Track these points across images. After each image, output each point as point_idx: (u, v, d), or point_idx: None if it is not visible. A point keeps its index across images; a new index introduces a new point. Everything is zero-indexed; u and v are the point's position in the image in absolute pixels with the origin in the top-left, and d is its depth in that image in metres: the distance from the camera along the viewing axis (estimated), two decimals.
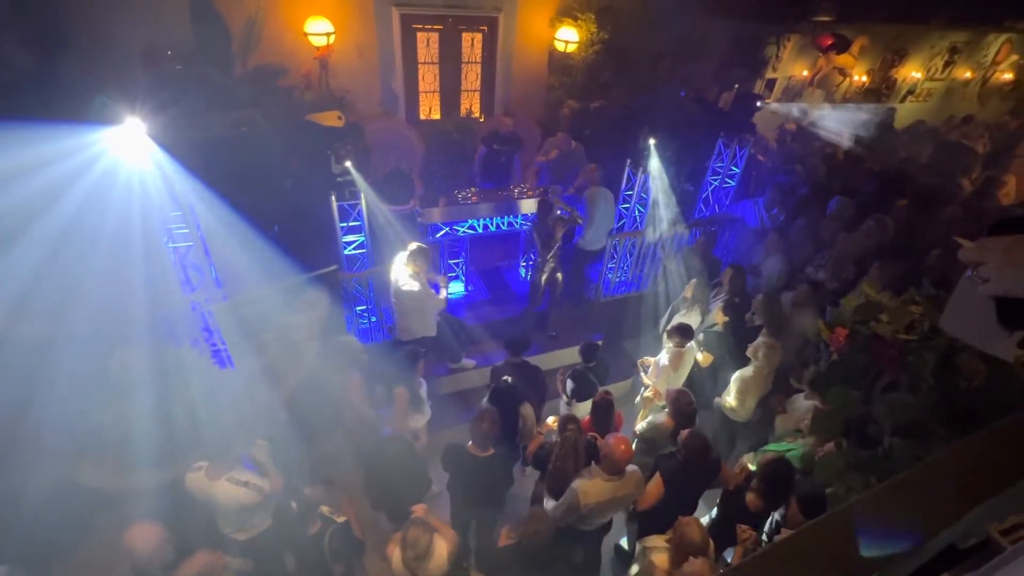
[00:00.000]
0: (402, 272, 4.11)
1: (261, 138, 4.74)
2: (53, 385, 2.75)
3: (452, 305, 5.63)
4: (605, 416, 3.57)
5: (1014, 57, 11.21)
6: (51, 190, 3.00)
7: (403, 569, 2.65)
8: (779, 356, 3.85)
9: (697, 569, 2.37)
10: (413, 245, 4.07)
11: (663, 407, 3.77)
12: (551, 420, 3.87)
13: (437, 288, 4.34)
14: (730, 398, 4.03)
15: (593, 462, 3.08)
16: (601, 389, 3.77)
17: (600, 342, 5.57)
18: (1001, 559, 1.00)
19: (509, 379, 3.65)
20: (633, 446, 3.75)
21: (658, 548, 2.82)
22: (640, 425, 3.89)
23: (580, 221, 5.06)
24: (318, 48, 5.78)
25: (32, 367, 2.73)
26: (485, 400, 3.58)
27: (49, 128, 2.89)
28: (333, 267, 4.17)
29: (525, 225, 5.58)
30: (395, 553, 2.69)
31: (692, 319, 4.67)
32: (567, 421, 3.35)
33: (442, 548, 2.73)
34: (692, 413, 3.51)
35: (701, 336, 4.45)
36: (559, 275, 5.05)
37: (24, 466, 2.69)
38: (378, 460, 3.23)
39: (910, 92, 10.76)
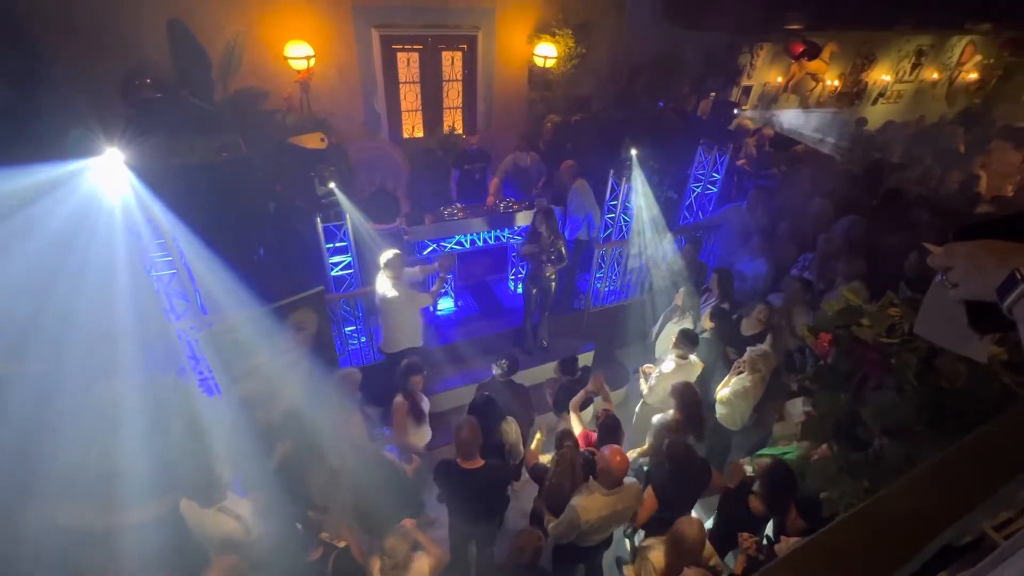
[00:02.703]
0: (383, 282, 4.12)
1: (244, 163, 4.73)
2: (39, 424, 2.69)
3: (442, 321, 5.63)
4: (613, 435, 3.52)
5: (977, 57, 11.62)
6: (33, 225, 2.97)
7: None
8: (773, 362, 3.88)
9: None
10: (388, 253, 4.09)
11: (660, 408, 3.77)
12: (538, 436, 3.82)
13: (433, 279, 4.27)
14: (723, 407, 4.04)
15: (591, 477, 3.06)
16: (602, 407, 3.75)
17: (592, 352, 5.62)
18: (996, 555, 1.01)
19: (487, 392, 3.62)
20: (641, 457, 3.75)
21: (654, 547, 2.80)
22: (647, 439, 3.85)
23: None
24: (299, 71, 5.80)
25: (21, 407, 2.67)
26: (466, 414, 3.56)
27: (27, 162, 2.87)
28: (319, 288, 4.14)
29: (513, 239, 5.60)
30: (376, 565, 2.67)
31: (684, 327, 4.70)
32: (564, 437, 3.33)
33: (424, 563, 2.69)
34: (698, 403, 3.53)
35: None
36: (553, 285, 5.05)
37: (11, 508, 2.62)
38: (367, 484, 3.19)
39: (881, 94, 11.09)
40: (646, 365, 4.43)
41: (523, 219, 5.39)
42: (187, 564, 2.68)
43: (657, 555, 2.75)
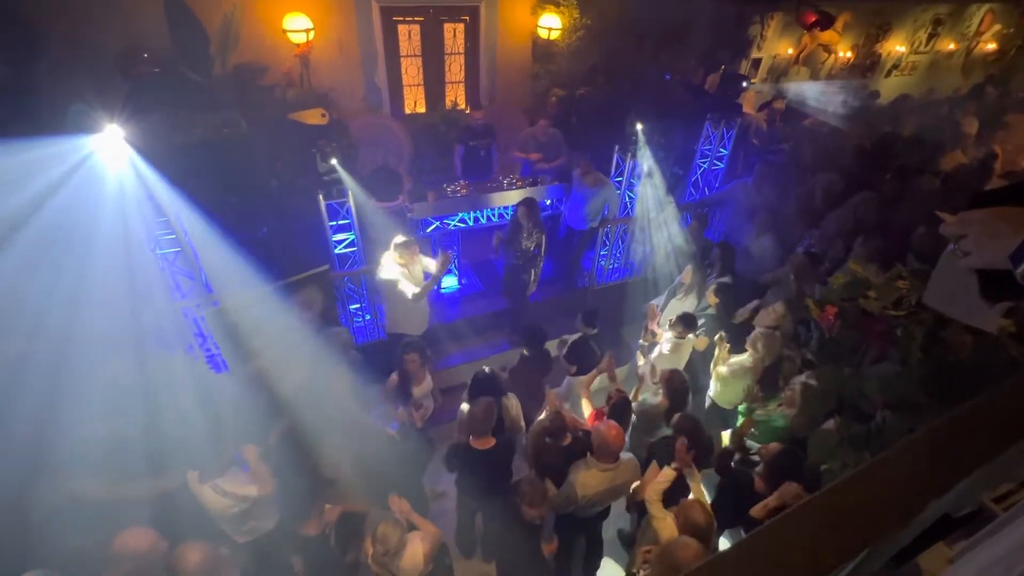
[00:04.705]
0: (388, 264, 4.08)
1: (244, 140, 4.68)
2: (53, 400, 2.74)
3: (446, 299, 5.63)
4: (622, 417, 3.53)
5: (997, 26, 11.22)
6: (34, 203, 2.97)
7: (375, 565, 2.62)
8: (778, 345, 3.85)
9: (688, 551, 2.37)
10: (400, 237, 4.04)
11: (656, 387, 3.79)
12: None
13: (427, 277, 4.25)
14: (718, 383, 4.04)
15: (588, 453, 3.10)
16: (614, 387, 3.77)
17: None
18: (994, 525, 1.02)
19: (487, 368, 3.64)
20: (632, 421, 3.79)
21: (664, 523, 2.83)
22: (634, 405, 3.89)
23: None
24: (298, 45, 5.69)
25: (31, 383, 2.71)
26: (466, 392, 3.59)
27: (27, 140, 2.85)
28: (325, 267, 4.14)
29: None
30: (368, 550, 2.67)
31: (688, 304, 4.69)
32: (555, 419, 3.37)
33: (418, 547, 2.68)
34: (685, 392, 3.57)
35: (699, 320, 4.47)
36: (529, 278, 4.99)
37: (26, 481, 2.68)
38: (368, 457, 3.22)
39: (895, 66, 10.77)
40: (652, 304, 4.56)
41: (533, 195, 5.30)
42: (196, 537, 2.75)
43: (665, 526, 2.77)
